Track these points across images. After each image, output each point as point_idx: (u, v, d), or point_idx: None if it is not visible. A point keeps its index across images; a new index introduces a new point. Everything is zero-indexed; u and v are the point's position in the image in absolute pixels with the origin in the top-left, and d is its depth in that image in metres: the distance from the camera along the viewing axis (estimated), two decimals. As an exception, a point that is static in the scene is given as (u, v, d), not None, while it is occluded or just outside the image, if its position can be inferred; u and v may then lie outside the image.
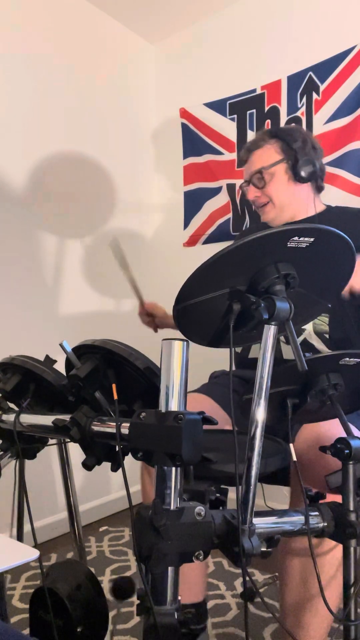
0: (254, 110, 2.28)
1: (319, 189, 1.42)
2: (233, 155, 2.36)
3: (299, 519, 0.78)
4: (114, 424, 0.74)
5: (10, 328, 1.96)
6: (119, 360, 0.78)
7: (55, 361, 0.98)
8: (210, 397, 1.31)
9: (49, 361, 0.97)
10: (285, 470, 1.10)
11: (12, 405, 1.01)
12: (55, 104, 2.17)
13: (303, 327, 1.33)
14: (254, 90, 2.27)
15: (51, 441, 1.09)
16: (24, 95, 2.05)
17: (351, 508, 0.79)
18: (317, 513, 0.80)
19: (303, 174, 1.34)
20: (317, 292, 0.83)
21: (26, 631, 0.87)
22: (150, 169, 2.69)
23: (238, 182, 2.33)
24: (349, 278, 0.81)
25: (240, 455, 0.69)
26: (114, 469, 0.82)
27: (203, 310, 0.77)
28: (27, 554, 0.68)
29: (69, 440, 0.85)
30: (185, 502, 0.66)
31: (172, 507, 0.64)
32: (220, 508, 0.71)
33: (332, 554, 0.96)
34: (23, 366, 0.95)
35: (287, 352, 1.34)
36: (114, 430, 0.74)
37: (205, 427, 0.66)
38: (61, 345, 0.82)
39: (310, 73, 2.09)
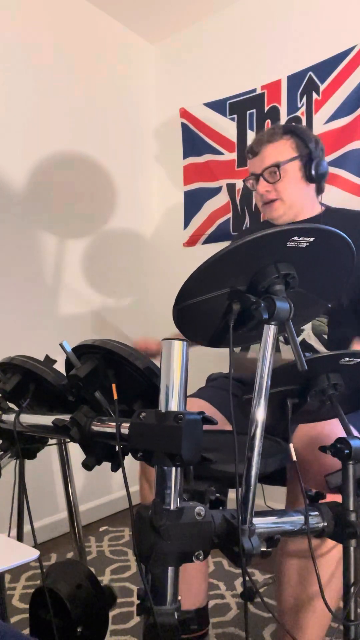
0: (254, 110, 2.28)
1: (319, 191, 1.42)
2: (233, 155, 2.36)
3: (298, 519, 0.78)
4: (114, 424, 0.74)
5: (10, 328, 1.96)
6: (119, 360, 0.78)
7: (55, 361, 0.98)
8: (207, 402, 1.30)
9: (49, 361, 0.97)
10: (285, 470, 1.10)
11: (12, 405, 1.01)
12: (55, 104, 2.17)
13: (302, 328, 1.33)
14: (254, 90, 2.27)
15: (51, 441, 1.09)
16: (24, 95, 2.05)
17: (351, 508, 0.79)
18: (317, 513, 0.80)
19: (315, 174, 1.34)
20: (317, 292, 0.83)
21: (26, 631, 0.87)
22: (151, 169, 2.69)
23: (238, 182, 2.33)
24: (349, 278, 0.81)
25: (240, 455, 0.69)
26: (114, 469, 0.82)
27: (203, 310, 0.77)
28: (27, 554, 0.68)
29: (69, 440, 0.85)
30: (185, 502, 0.66)
31: (172, 507, 0.64)
32: (220, 508, 0.71)
33: (330, 554, 0.96)
34: (23, 366, 0.95)
35: (286, 353, 1.33)
36: (114, 430, 0.74)
37: (205, 427, 0.66)
38: (61, 345, 0.82)
39: (310, 73, 2.09)
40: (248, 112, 2.30)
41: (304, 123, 2.10)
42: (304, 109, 2.11)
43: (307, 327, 1.32)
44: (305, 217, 1.39)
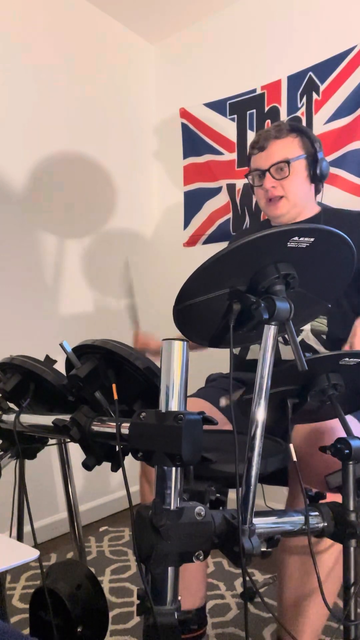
0: (254, 110, 2.28)
1: (317, 191, 1.42)
2: (233, 155, 2.36)
3: (299, 519, 0.78)
4: (114, 424, 0.74)
5: (10, 328, 1.96)
6: (119, 360, 0.78)
7: (55, 361, 0.98)
8: (208, 401, 1.30)
9: (49, 361, 0.97)
10: (286, 470, 1.10)
11: (12, 405, 1.01)
12: (55, 104, 2.17)
13: (301, 328, 1.33)
14: (254, 90, 2.28)
15: (51, 441, 1.09)
16: (24, 96, 2.05)
17: (351, 508, 0.79)
18: (317, 513, 0.80)
19: (320, 174, 1.33)
20: (317, 292, 0.83)
21: (26, 631, 0.87)
22: (151, 169, 2.69)
23: (238, 182, 2.33)
24: (349, 278, 0.81)
25: (240, 455, 0.69)
26: (114, 469, 0.82)
27: (203, 310, 0.77)
28: (27, 554, 0.68)
29: (69, 440, 0.85)
30: (185, 502, 0.66)
31: (172, 507, 0.64)
32: (220, 508, 0.71)
33: (329, 551, 0.97)
34: (23, 366, 0.95)
35: (286, 353, 1.33)
36: (114, 430, 0.74)
37: (205, 427, 0.66)
38: (61, 345, 0.82)
39: (310, 73, 2.09)
40: (248, 112, 2.30)
41: (304, 123, 2.10)
42: (304, 109, 2.11)
43: (306, 328, 1.32)
44: (306, 217, 1.39)
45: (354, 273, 0.80)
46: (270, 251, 0.72)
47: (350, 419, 1.01)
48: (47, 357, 0.98)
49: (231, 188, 2.36)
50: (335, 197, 1.93)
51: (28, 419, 0.92)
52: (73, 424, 0.79)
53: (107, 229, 2.43)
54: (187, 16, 2.46)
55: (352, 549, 0.79)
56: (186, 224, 2.55)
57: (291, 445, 0.86)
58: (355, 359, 0.85)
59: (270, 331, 0.71)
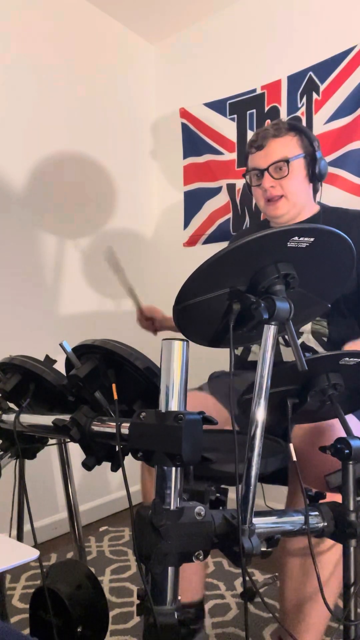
0: (254, 110, 2.28)
1: (315, 190, 1.41)
2: (233, 155, 2.36)
3: (299, 518, 0.78)
4: (114, 424, 0.74)
5: (10, 328, 1.96)
6: (119, 360, 0.78)
7: (55, 361, 0.98)
8: (211, 395, 1.30)
9: (49, 361, 0.97)
10: (286, 470, 1.10)
11: (12, 405, 1.01)
12: (55, 104, 2.17)
13: (301, 330, 1.32)
14: (254, 90, 2.28)
15: (51, 441, 1.09)
16: (24, 96, 2.05)
17: (351, 508, 0.79)
18: (317, 513, 0.80)
19: (319, 173, 1.33)
20: (317, 292, 0.83)
21: (26, 631, 0.87)
22: (150, 168, 2.69)
23: (238, 182, 2.33)
24: (349, 278, 0.81)
25: (240, 455, 0.69)
26: (114, 469, 0.82)
27: (203, 310, 0.77)
28: (27, 554, 0.68)
29: (69, 440, 0.85)
30: (185, 502, 0.66)
31: (172, 507, 0.64)
32: (220, 508, 0.71)
33: (330, 552, 0.96)
34: (23, 366, 0.95)
35: (287, 355, 1.33)
36: (114, 430, 0.74)
37: (205, 427, 0.66)
38: (61, 345, 0.82)
39: (310, 73, 2.09)
40: (248, 112, 2.30)
41: (304, 123, 2.10)
42: (304, 109, 2.11)
43: (307, 330, 1.32)
44: (306, 217, 1.38)
45: (354, 274, 0.80)
46: (270, 251, 0.72)
47: (349, 417, 1.01)
48: (47, 357, 0.98)
49: (231, 188, 2.36)
50: (335, 197, 1.93)
51: (28, 419, 0.92)
52: (73, 424, 0.79)
53: (107, 229, 2.43)
54: (187, 16, 2.46)
55: (352, 549, 0.79)
56: (186, 224, 2.55)
57: (291, 445, 0.86)
58: (355, 359, 0.85)
59: (270, 331, 0.71)
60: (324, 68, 2.04)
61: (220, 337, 0.81)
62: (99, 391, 0.83)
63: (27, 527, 1.11)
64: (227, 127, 2.37)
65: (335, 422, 0.97)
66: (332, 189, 1.99)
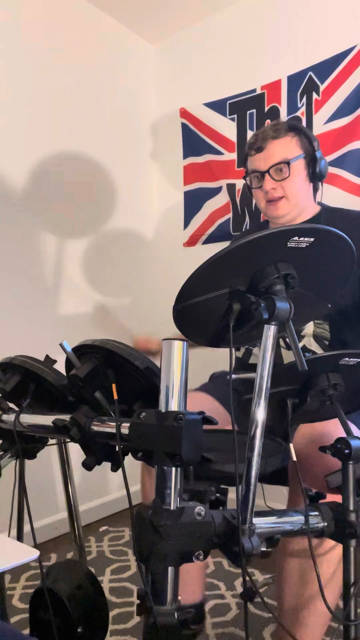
0: (254, 110, 2.28)
1: (315, 190, 1.41)
2: (233, 155, 2.36)
3: (299, 519, 0.78)
4: (114, 424, 0.74)
5: (10, 328, 1.96)
6: (119, 360, 0.78)
7: (55, 361, 0.98)
8: (211, 396, 1.30)
9: (49, 361, 0.97)
10: (286, 470, 1.10)
11: (12, 405, 1.01)
12: (55, 104, 2.17)
13: (303, 334, 1.32)
14: (254, 90, 2.28)
15: (51, 441, 1.09)
16: (24, 96, 2.05)
17: (351, 508, 0.79)
18: (317, 513, 0.80)
19: (319, 173, 1.32)
20: (317, 292, 0.82)
21: (26, 631, 0.87)
22: (150, 168, 2.69)
23: (238, 182, 2.33)
24: (349, 278, 0.81)
25: (240, 455, 0.69)
26: (114, 469, 0.82)
27: (203, 310, 0.77)
28: (27, 554, 0.68)
29: (69, 440, 0.85)
30: (185, 502, 0.66)
31: (172, 507, 0.64)
32: (220, 508, 0.71)
33: (330, 554, 0.96)
34: (23, 366, 0.95)
35: (287, 358, 1.33)
36: (114, 430, 0.74)
37: (205, 427, 0.66)
38: (61, 345, 0.82)
39: (310, 73, 2.09)
40: (248, 112, 2.30)
41: (304, 123, 2.10)
42: (304, 109, 2.11)
43: (309, 333, 1.31)
44: (307, 217, 1.38)
45: (356, 275, 0.80)
46: (270, 251, 0.72)
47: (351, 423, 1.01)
48: (47, 357, 0.98)
49: (231, 188, 2.36)
50: (335, 197, 1.93)
51: (28, 419, 0.92)
52: (73, 424, 0.79)
53: (107, 229, 2.43)
54: (187, 16, 2.46)
55: (352, 549, 0.79)
56: (186, 224, 2.55)
57: (291, 445, 0.86)
58: (355, 359, 0.85)
59: (270, 331, 0.71)
60: (324, 68, 2.04)
61: (220, 337, 0.81)
62: (99, 391, 0.83)
63: (27, 527, 1.11)
64: (227, 127, 2.37)
65: (335, 422, 0.97)
66: (332, 189, 1.98)
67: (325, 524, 0.80)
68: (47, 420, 0.86)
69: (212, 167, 2.44)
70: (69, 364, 0.84)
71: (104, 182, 2.42)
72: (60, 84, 2.20)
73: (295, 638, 1.02)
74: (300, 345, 1.32)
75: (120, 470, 0.77)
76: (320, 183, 1.39)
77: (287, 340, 0.73)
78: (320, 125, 2.06)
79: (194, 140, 2.50)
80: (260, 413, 0.70)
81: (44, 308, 2.13)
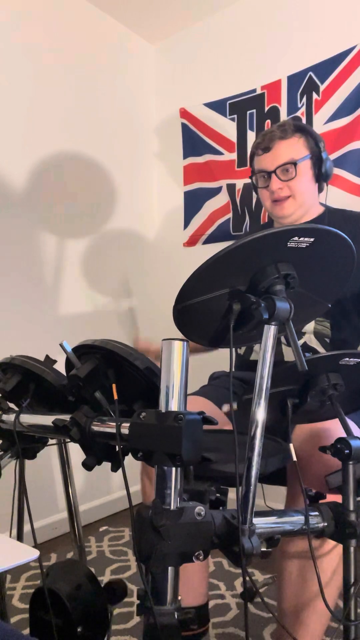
0: (254, 110, 2.28)
1: (320, 190, 1.41)
2: (233, 155, 2.36)
3: (299, 519, 0.78)
4: (114, 424, 0.74)
5: (10, 328, 1.96)
6: (119, 360, 0.78)
7: (55, 361, 0.98)
8: (209, 400, 1.30)
9: (49, 361, 0.97)
10: (285, 470, 1.10)
11: (12, 405, 1.01)
12: (55, 104, 2.17)
13: (303, 331, 1.32)
14: (254, 90, 2.28)
15: (51, 441, 1.09)
16: (24, 96, 2.05)
17: (351, 508, 0.79)
18: (317, 513, 0.80)
19: (326, 173, 1.33)
20: (317, 292, 0.83)
21: (26, 631, 0.87)
22: (151, 169, 2.69)
23: (238, 182, 2.33)
24: (349, 278, 0.81)
25: (240, 455, 0.69)
26: (114, 469, 0.82)
27: (203, 310, 0.77)
28: (27, 554, 0.68)
29: (69, 440, 0.85)
30: (185, 502, 0.66)
31: (172, 507, 0.64)
32: (220, 508, 0.71)
33: (330, 554, 0.96)
34: (23, 366, 0.95)
35: (288, 354, 1.33)
36: (114, 430, 0.74)
37: (205, 427, 0.66)
38: (61, 345, 0.82)
39: (310, 73, 2.09)
40: (248, 112, 2.30)
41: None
42: (304, 109, 2.11)
43: (309, 330, 1.32)
44: (311, 217, 1.38)
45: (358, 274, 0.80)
46: (270, 251, 0.72)
47: (351, 423, 1.01)
48: (47, 357, 0.98)
49: (231, 188, 2.36)
50: (335, 197, 1.92)
51: (28, 419, 0.92)
52: (73, 424, 0.79)
53: (107, 229, 2.43)
54: (187, 16, 2.46)
55: (352, 549, 0.79)
56: (186, 224, 2.55)
57: (291, 445, 0.86)
58: (355, 359, 0.85)
59: (270, 331, 0.71)
60: (324, 68, 2.04)
61: (220, 337, 0.81)
62: (99, 391, 0.83)
63: (27, 527, 1.11)
64: (227, 127, 2.37)
65: (335, 422, 0.97)
66: (332, 189, 1.97)
67: (325, 524, 0.80)
68: (47, 420, 0.86)
69: (212, 167, 2.44)
70: (69, 364, 0.84)
71: (104, 182, 2.42)
72: (60, 84, 2.20)
73: (295, 638, 1.02)
74: (301, 342, 1.32)
75: (120, 470, 0.77)
76: (325, 184, 1.39)
77: (287, 335, 0.73)
78: (320, 125, 2.06)
79: (194, 140, 2.50)
80: (260, 413, 0.70)
81: (44, 308, 2.13)
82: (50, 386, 0.92)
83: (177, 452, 0.63)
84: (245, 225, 2.33)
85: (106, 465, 0.84)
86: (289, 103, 2.16)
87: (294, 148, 1.30)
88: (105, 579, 1.71)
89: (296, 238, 0.70)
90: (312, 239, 0.71)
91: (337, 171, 2.00)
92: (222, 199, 2.41)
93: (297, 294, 0.76)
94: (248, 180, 1.43)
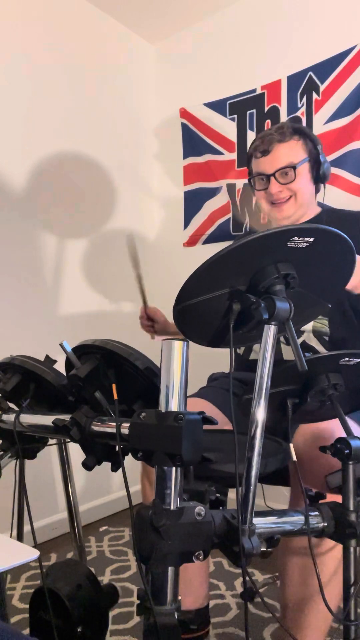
0: (254, 110, 2.28)
1: (317, 191, 1.42)
2: (233, 155, 2.36)
3: (299, 519, 0.78)
4: (114, 424, 0.74)
5: (10, 328, 1.96)
6: (119, 360, 0.78)
7: (55, 361, 0.98)
8: (208, 401, 1.30)
9: (49, 361, 0.97)
10: (286, 470, 1.10)
11: (12, 405, 1.01)
12: (55, 104, 2.17)
13: (302, 329, 1.32)
14: (254, 90, 2.27)
15: (51, 441, 1.09)
16: (23, 96, 2.05)
17: (351, 508, 0.79)
18: (317, 513, 0.80)
19: (324, 175, 1.33)
20: (317, 292, 0.83)
21: (26, 631, 0.87)
22: (151, 168, 2.69)
23: (238, 182, 2.33)
24: (349, 278, 0.81)
25: (240, 455, 0.69)
26: (114, 469, 0.82)
27: (203, 310, 0.77)
28: (27, 554, 0.68)
29: (69, 440, 0.85)
30: (185, 502, 0.66)
31: (172, 507, 0.64)
32: (220, 508, 0.71)
33: (331, 553, 0.96)
34: (23, 366, 0.95)
35: (287, 353, 1.33)
36: (114, 430, 0.74)
37: (205, 427, 0.66)
38: (61, 345, 0.82)
39: (310, 73, 2.09)
40: (248, 112, 2.30)
41: (304, 123, 2.10)
42: (304, 109, 2.11)
43: (308, 329, 1.32)
44: (309, 218, 1.38)
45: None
46: (270, 251, 0.72)
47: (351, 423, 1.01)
48: (47, 357, 0.98)
49: (231, 188, 2.36)
50: (335, 197, 1.93)
51: (28, 419, 0.92)
52: (73, 424, 0.79)
53: (107, 229, 2.43)
54: (187, 16, 2.46)
55: (352, 549, 0.79)
56: (186, 224, 2.55)
57: (291, 445, 0.86)
58: (355, 359, 0.85)
59: (270, 331, 0.71)
60: (324, 68, 2.04)
61: (220, 337, 0.81)
62: (99, 391, 0.83)
63: (27, 527, 1.11)
64: (227, 127, 2.37)
65: (335, 422, 0.97)
66: (332, 189, 1.98)
67: (325, 524, 0.80)
68: (47, 420, 0.86)
69: (212, 167, 2.44)
70: (69, 364, 0.84)
71: (104, 182, 2.42)
72: (60, 84, 2.20)
73: (295, 638, 1.02)
74: (300, 341, 1.32)
75: (120, 470, 0.77)
76: (322, 185, 1.39)
77: (287, 336, 0.73)
78: (320, 125, 2.06)
79: (194, 140, 2.50)
80: (260, 413, 0.70)
81: (44, 308, 2.13)
82: (50, 386, 0.92)
83: (177, 452, 0.63)
84: (245, 225, 2.33)
85: (106, 465, 0.84)
86: (289, 103, 2.16)
87: (292, 151, 1.31)
88: (105, 579, 1.71)
89: (296, 238, 0.70)
90: (312, 239, 0.71)
91: (337, 171, 2.00)
92: (222, 199, 2.41)
93: (297, 294, 0.76)
94: (248, 181, 1.44)
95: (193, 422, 0.64)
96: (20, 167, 2.04)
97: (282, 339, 1.33)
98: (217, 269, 0.71)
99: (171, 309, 0.76)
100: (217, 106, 2.40)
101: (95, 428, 0.79)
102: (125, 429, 0.71)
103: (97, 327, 2.31)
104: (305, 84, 2.10)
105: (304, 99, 2.11)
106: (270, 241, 0.70)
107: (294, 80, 2.14)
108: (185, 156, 2.54)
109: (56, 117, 2.17)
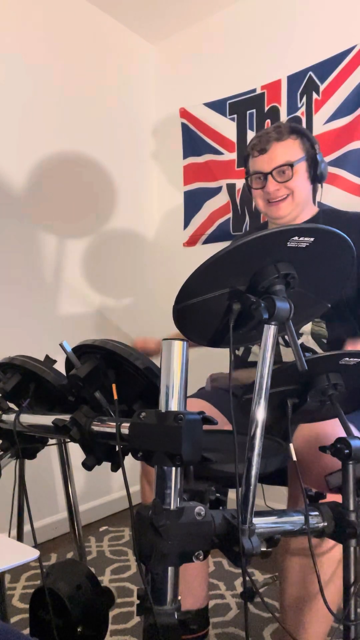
0: (254, 110, 2.28)
1: (314, 191, 1.42)
2: (233, 155, 2.36)
3: (299, 519, 0.78)
4: (114, 424, 0.74)
5: (10, 328, 1.96)
6: (119, 360, 0.78)
7: (55, 361, 0.98)
8: (208, 402, 1.30)
9: (49, 361, 0.97)
10: (285, 470, 1.10)
11: (12, 405, 1.01)
12: (55, 104, 2.17)
13: (301, 332, 1.32)
14: (254, 90, 2.27)
15: (51, 441, 1.09)
16: (23, 96, 2.05)
17: (351, 508, 0.79)
18: (317, 513, 0.80)
19: (321, 175, 1.33)
20: (317, 292, 0.83)
21: (26, 631, 0.87)
22: (150, 168, 2.69)
23: (238, 182, 2.33)
24: (349, 278, 0.81)
25: (240, 455, 0.69)
26: (114, 469, 0.82)
27: (203, 310, 0.77)
28: (27, 554, 0.68)
29: (69, 440, 0.85)
30: (185, 502, 0.66)
31: (172, 507, 0.64)
32: (220, 508, 0.71)
33: (331, 553, 0.96)
34: (23, 366, 0.96)
35: (287, 355, 1.33)
36: (114, 430, 0.74)
37: (205, 427, 0.66)
38: (61, 345, 0.82)
39: (310, 73, 2.09)
40: (248, 112, 2.30)
41: (304, 123, 2.10)
42: (304, 109, 2.11)
43: (307, 331, 1.32)
44: (306, 218, 1.39)
45: (353, 275, 0.80)
46: (270, 251, 0.72)
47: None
48: (47, 357, 0.98)
49: (231, 188, 2.36)
50: (335, 197, 1.93)
51: (28, 419, 0.92)
52: (73, 424, 0.80)
53: (107, 229, 2.43)
54: (187, 16, 2.46)
55: (352, 549, 0.79)
56: (186, 223, 2.55)
57: (291, 445, 0.86)
58: (355, 359, 0.85)
59: (270, 331, 0.71)
60: (324, 68, 2.04)
61: (220, 337, 0.81)
62: (99, 391, 0.83)
63: (27, 527, 1.11)
64: (227, 127, 2.37)
65: (335, 422, 0.97)
66: (332, 189, 1.98)
67: (325, 524, 0.80)
68: (47, 420, 0.86)
69: (212, 167, 2.44)
70: (69, 364, 0.84)
71: (104, 182, 2.42)
72: (60, 84, 2.20)
73: (295, 638, 1.02)
74: (299, 342, 1.32)
75: (120, 470, 0.77)
76: (320, 185, 1.40)
77: (287, 338, 0.73)
78: (320, 125, 2.06)
79: (194, 140, 2.50)
80: (260, 413, 0.70)
81: (44, 308, 2.13)
82: (50, 386, 0.92)
83: (177, 452, 0.63)
84: (245, 225, 2.33)
85: (106, 465, 0.84)
86: (289, 103, 2.16)
87: (290, 150, 1.31)
88: (105, 579, 1.71)
89: (296, 238, 0.70)
90: (312, 239, 0.71)
91: (337, 171, 2.00)
92: (222, 198, 2.41)
93: (297, 294, 0.76)
94: (248, 181, 1.44)
95: (193, 422, 0.64)
96: (20, 168, 2.04)
97: (281, 340, 1.33)
98: (217, 269, 0.71)
99: (171, 309, 0.76)
100: (217, 106, 2.40)
101: (95, 428, 0.79)
102: (125, 429, 0.72)
103: (97, 327, 2.31)
104: (305, 83, 2.10)
105: (304, 99, 2.11)
106: (270, 241, 0.70)
107: (294, 80, 2.14)
108: (185, 156, 2.54)
109: (56, 117, 2.17)
